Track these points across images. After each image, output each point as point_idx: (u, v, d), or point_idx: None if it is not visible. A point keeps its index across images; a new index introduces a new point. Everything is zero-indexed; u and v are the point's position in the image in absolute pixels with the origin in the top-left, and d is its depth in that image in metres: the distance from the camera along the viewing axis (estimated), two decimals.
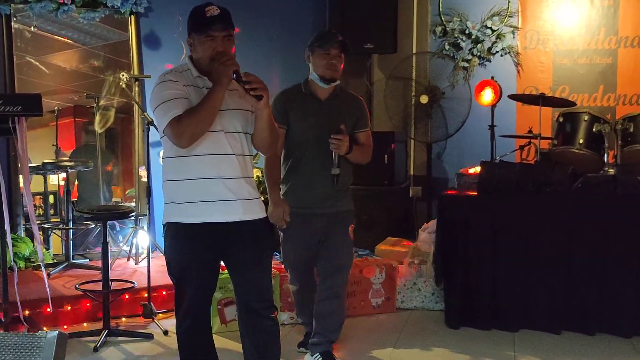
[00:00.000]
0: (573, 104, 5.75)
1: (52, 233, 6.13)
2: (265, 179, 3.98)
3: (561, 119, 5.30)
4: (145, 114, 5.15)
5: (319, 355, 4.05)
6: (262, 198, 3.35)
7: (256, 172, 5.00)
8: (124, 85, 5.42)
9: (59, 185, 6.51)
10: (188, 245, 3.11)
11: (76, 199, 6.41)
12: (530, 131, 5.72)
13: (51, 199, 6.64)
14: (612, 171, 4.97)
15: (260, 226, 3.21)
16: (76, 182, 6.60)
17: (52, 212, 6.61)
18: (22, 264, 5.56)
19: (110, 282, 4.61)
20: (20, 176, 5.79)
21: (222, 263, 3.25)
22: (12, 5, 5.83)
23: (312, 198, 3.97)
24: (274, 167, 3.98)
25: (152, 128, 5.02)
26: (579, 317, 4.71)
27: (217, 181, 3.07)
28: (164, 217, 3.20)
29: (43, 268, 4.48)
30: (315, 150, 3.93)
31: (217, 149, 3.06)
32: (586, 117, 5.15)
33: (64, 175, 5.94)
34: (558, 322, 4.72)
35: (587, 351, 4.42)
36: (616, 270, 4.64)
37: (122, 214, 4.60)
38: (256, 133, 3.19)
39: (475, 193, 5.08)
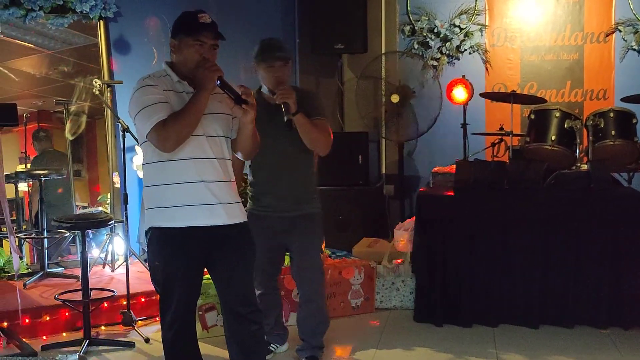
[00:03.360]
0: (544, 100, 5.84)
1: (24, 242, 6.04)
2: None
3: (533, 116, 5.38)
4: (120, 120, 5.10)
5: None
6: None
7: None
8: (97, 92, 5.36)
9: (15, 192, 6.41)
10: (172, 250, 3.10)
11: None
12: (501, 128, 5.79)
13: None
14: (584, 167, 5.05)
15: (243, 230, 3.24)
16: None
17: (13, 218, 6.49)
18: None
19: (89, 291, 4.56)
20: None
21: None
22: None
23: (274, 201, 4.00)
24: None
25: (127, 134, 4.98)
26: (557, 311, 4.80)
27: (200, 185, 3.08)
28: (146, 223, 3.19)
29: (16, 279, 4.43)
30: (275, 154, 3.94)
31: (198, 153, 3.08)
32: (557, 114, 5.23)
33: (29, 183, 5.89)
34: (537, 317, 4.80)
35: (567, 345, 4.49)
36: (591, 263, 4.74)
37: (100, 223, 4.55)
38: (239, 142, 3.24)
39: (451, 191, 5.14)
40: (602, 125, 5.18)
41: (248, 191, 4.15)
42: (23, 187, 6.45)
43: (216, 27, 3.11)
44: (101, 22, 6.14)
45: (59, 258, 6.20)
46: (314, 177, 4.16)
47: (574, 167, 5.14)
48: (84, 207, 6.79)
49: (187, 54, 3.09)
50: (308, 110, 3.89)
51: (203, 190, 3.08)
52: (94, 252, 6.04)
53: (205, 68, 3.02)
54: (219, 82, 3.03)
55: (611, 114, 5.21)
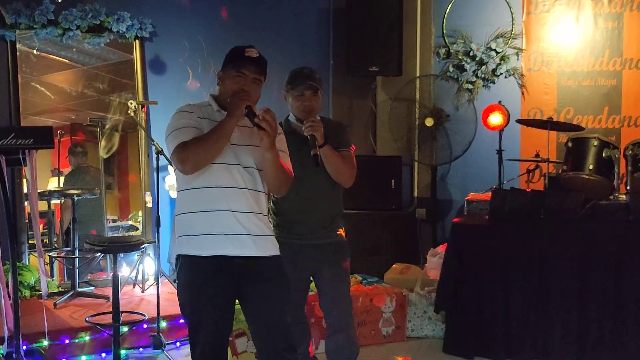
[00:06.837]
0: (581, 128, 5.72)
1: (55, 260, 6.05)
2: None
3: (570, 144, 5.26)
4: (155, 142, 5.11)
5: None
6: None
7: None
8: (132, 113, 5.38)
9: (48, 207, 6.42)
10: (199, 279, 3.08)
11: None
12: (537, 155, 5.69)
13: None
14: (623, 197, 4.95)
15: (275, 264, 3.20)
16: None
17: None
18: (27, 293, 5.50)
19: (120, 314, 4.54)
20: (27, 204, 5.76)
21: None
22: (18, 31, 5.81)
23: (302, 229, 3.91)
24: None
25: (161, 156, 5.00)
26: (595, 349, 4.65)
27: (228, 214, 3.06)
28: (176, 250, 3.18)
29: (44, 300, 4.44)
30: (301, 184, 3.78)
31: (229, 182, 3.07)
32: (596, 143, 5.12)
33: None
34: (574, 354, 4.67)
35: None
36: (632, 299, 4.60)
37: (133, 246, 4.54)
38: (263, 173, 3.17)
39: (486, 219, 5.06)
40: None
41: (270, 219, 3.99)
42: (55, 201, 6.46)
43: (263, 63, 3.18)
44: (137, 41, 6.19)
45: (89, 275, 6.20)
46: (341, 205, 4.08)
47: (611, 197, 5.04)
48: (114, 221, 6.80)
49: (228, 84, 3.14)
50: (336, 141, 3.85)
51: (231, 220, 3.06)
52: (125, 271, 6.02)
53: (236, 97, 3.05)
54: (246, 111, 3.03)
55: None
